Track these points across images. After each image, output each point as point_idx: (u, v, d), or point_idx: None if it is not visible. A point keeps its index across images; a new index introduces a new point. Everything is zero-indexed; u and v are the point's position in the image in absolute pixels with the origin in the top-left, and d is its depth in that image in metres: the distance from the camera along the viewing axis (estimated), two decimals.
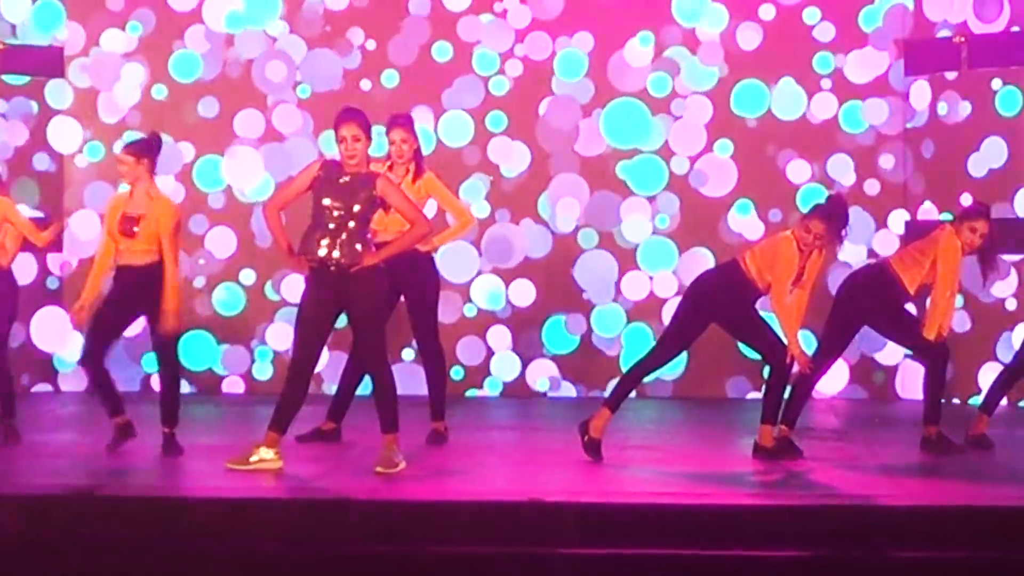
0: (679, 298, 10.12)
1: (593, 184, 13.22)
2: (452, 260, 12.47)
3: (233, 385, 13.31)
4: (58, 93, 13.24)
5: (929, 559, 7.68)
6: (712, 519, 7.98)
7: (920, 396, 10.22)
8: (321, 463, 9.49)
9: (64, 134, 13.25)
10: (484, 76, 13.25)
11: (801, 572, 7.69)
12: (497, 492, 8.69)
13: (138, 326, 9.87)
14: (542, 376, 13.26)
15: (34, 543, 7.75)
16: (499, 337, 13.27)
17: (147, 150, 9.65)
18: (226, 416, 12.13)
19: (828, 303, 10.15)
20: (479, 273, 13.21)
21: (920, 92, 13.08)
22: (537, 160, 13.24)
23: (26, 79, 13.10)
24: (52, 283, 13.23)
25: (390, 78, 13.23)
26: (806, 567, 7.69)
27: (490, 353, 13.27)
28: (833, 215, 9.63)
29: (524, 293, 13.26)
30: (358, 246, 8.98)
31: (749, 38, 13.20)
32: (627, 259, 13.24)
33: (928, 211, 12.94)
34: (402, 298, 10.10)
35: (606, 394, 10.14)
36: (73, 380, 12.99)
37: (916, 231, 12.27)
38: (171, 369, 9.76)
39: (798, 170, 13.21)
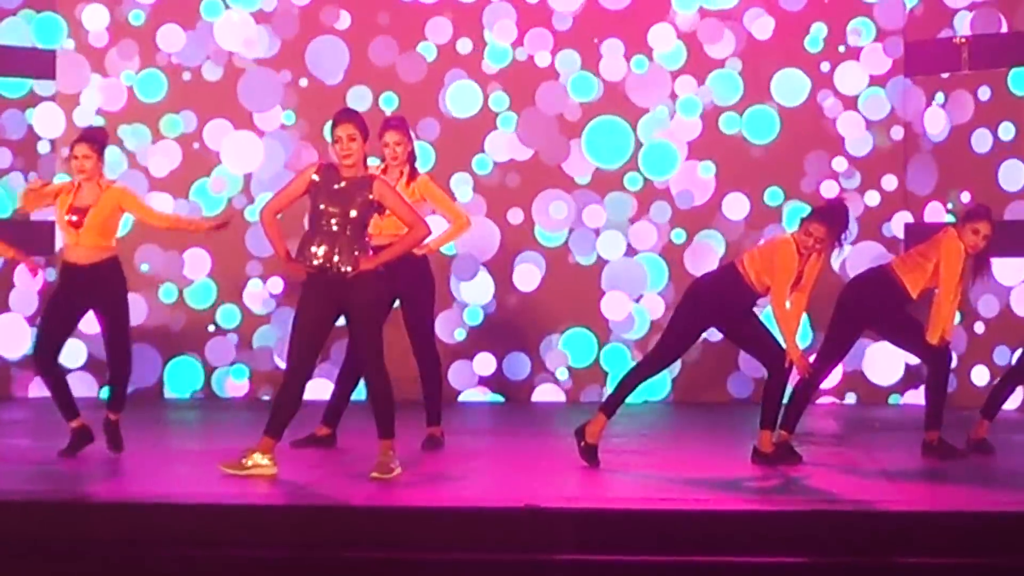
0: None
1: None
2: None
3: (235, 389, 13.24)
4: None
5: (930, 565, 7.64)
6: (711, 525, 7.94)
7: (921, 400, 10.18)
8: (316, 469, 9.43)
9: None
10: None
11: None
12: (494, 498, 8.64)
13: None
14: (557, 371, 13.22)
15: (22, 548, 7.69)
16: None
17: (104, 142, 9.67)
18: (222, 421, 12.09)
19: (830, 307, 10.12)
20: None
21: (920, 93, 13.03)
22: None
23: None
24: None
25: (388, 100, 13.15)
26: (806, 573, 7.64)
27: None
28: (834, 218, 9.57)
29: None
30: (355, 251, 8.92)
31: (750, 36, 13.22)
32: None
33: (929, 213, 12.89)
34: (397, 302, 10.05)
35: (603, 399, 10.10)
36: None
37: (917, 234, 12.23)
38: (124, 354, 9.64)
39: (797, 171, 13.16)
